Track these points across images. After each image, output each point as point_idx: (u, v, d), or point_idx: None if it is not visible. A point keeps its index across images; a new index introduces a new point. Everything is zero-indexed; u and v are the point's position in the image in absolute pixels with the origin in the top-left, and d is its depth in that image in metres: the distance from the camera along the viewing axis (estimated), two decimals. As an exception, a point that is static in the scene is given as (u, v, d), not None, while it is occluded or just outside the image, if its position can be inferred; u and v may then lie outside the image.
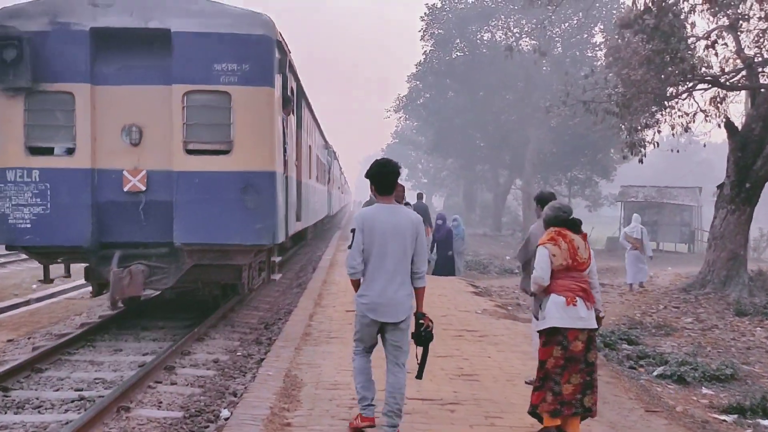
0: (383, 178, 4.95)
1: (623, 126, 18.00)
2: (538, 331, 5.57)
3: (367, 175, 5.02)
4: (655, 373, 8.90)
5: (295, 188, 12.25)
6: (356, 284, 5.04)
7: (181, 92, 8.88)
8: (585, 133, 39.12)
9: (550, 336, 5.33)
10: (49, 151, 8.98)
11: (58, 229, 8.81)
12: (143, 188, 8.94)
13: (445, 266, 17.53)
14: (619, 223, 37.59)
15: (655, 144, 16.42)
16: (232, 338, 9.13)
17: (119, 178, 8.93)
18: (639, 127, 16.14)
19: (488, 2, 40.52)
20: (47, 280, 9.88)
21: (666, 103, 16.29)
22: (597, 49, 38.94)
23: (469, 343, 8.89)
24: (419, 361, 5.08)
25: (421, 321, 5.03)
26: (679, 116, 17.56)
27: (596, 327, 5.47)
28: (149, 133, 9.01)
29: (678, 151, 18.84)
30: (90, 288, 10.07)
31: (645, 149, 16.64)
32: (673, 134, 17.76)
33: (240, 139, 8.97)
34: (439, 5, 40.87)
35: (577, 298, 5.29)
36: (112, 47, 9.00)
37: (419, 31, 40.47)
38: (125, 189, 8.92)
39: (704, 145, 18.95)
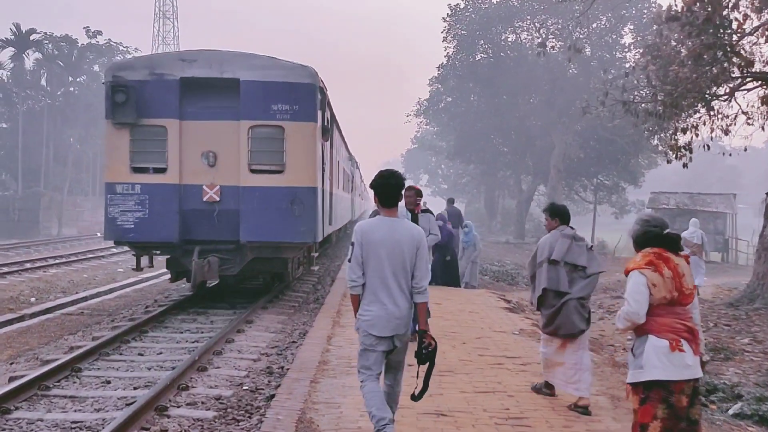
0: (386, 189, 4.85)
1: (664, 128, 16.77)
2: (631, 384, 4.36)
3: (371, 186, 4.94)
4: (731, 412, 7.63)
5: (329, 198, 14.68)
6: (356, 302, 4.88)
7: (246, 126, 11.74)
8: (612, 138, 37.85)
9: (649, 390, 4.13)
10: (147, 170, 11.75)
11: (153, 229, 11.61)
12: (218, 199, 11.74)
13: (444, 273, 15.11)
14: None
15: (705, 147, 15.03)
16: (238, 367, 7.97)
17: (199, 191, 11.75)
18: (687, 128, 14.78)
19: (513, 2, 39.23)
20: (138, 268, 12.79)
21: (713, 103, 14.95)
22: (626, 50, 37.51)
23: (511, 374, 7.68)
24: (421, 382, 4.87)
25: (423, 339, 4.79)
26: (719, 118, 16.29)
27: (701, 376, 4.25)
28: (222, 157, 11.81)
29: (725, 154, 17.36)
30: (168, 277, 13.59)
31: (691, 152, 15.28)
32: (711, 138, 16.46)
33: (291, 162, 11.78)
34: (462, 5, 39.63)
35: (682, 340, 4.09)
36: (195, 91, 11.79)
37: (441, 32, 39.31)
38: (204, 199, 11.74)
39: (729, 154, 17.27)
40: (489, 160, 47.32)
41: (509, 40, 40.02)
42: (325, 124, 13.22)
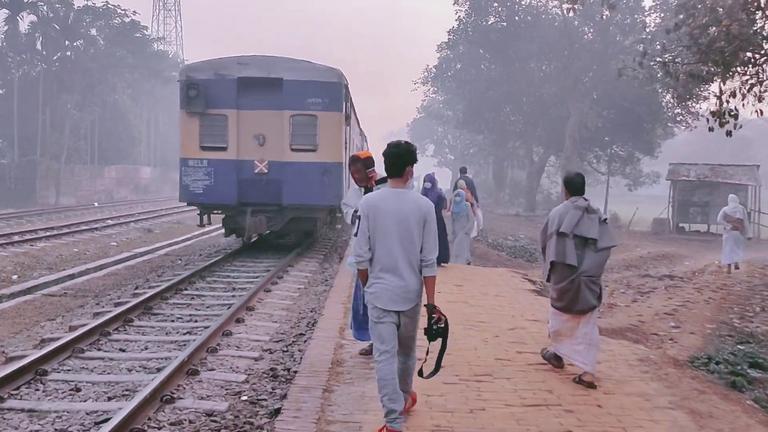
0: (391, 158, 4.77)
1: (697, 94, 15.39)
2: None
3: (383, 154, 4.84)
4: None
5: (348, 171, 18.12)
6: (364, 276, 4.81)
7: (288, 115, 15.01)
8: (630, 107, 36.33)
9: None
10: (213, 149, 14.96)
11: (217, 193, 14.95)
12: (266, 171, 14.98)
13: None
14: (668, 203, 34.70)
15: (759, 112, 13.56)
16: (236, 368, 6.72)
17: (252, 165, 14.99)
18: (737, 90, 13.34)
19: (528, -38, 37.43)
20: (202, 224, 16.25)
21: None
22: (646, 14, 35.73)
23: (561, 380, 6.41)
24: (435, 359, 4.76)
25: (432, 315, 4.65)
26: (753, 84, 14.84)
27: None
28: (269, 138, 15.04)
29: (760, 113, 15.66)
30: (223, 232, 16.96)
31: (736, 119, 13.87)
32: (743, 104, 15.00)
33: (322, 142, 15.01)
34: (475, -34, 37.74)
35: None
36: (248, 88, 14.97)
37: (453, -6, 37.46)
38: (255, 171, 14.99)
39: (740, 126, 15.25)
40: (499, 129, 45.77)
41: (523, 2, 38.21)
42: (347, 112, 16.23)
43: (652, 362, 7.22)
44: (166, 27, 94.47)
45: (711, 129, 14.22)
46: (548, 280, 6.54)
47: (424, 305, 4.71)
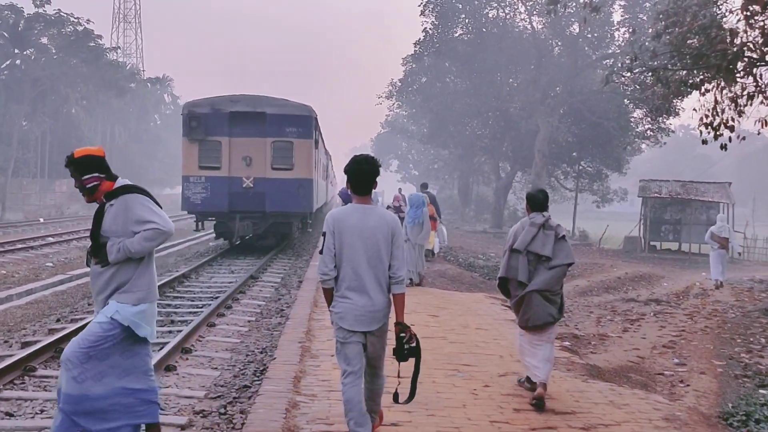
0: (359, 176, 4.56)
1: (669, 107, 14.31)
2: None
3: (345, 170, 4.62)
4: None
5: (316, 185, 20.39)
6: (329, 295, 4.59)
7: (270, 141, 18.42)
8: (599, 121, 35.55)
9: None
10: (209, 168, 18.20)
11: (212, 203, 18.19)
12: (252, 185, 18.28)
13: None
14: (639, 220, 33.85)
15: (764, 122, 12.40)
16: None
17: (241, 181, 18.32)
18: (737, 97, 12.20)
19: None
20: (198, 229, 19.99)
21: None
22: (614, 28, 35.07)
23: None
24: (409, 381, 4.60)
25: (402, 334, 4.43)
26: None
27: None
28: (255, 159, 18.36)
29: (733, 139, 14.52)
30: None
31: (732, 131, 12.75)
32: (739, 116, 13.98)
33: (297, 163, 18.46)
34: (442, -24, 36.67)
35: None
36: (238, 119, 18.31)
37: (419, 5, 36.31)
38: (243, 186, 18.29)
39: (743, 138, 14.15)
40: (465, 144, 44.70)
41: (491, 15, 37.26)
42: (316, 138, 19.87)
43: (681, 422, 5.85)
44: (126, 39, 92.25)
45: (704, 142, 13.09)
46: (502, 292, 6.61)
47: (395, 324, 4.48)
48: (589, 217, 61.95)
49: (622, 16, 34.47)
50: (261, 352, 7.82)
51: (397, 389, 4.59)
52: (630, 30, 32.85)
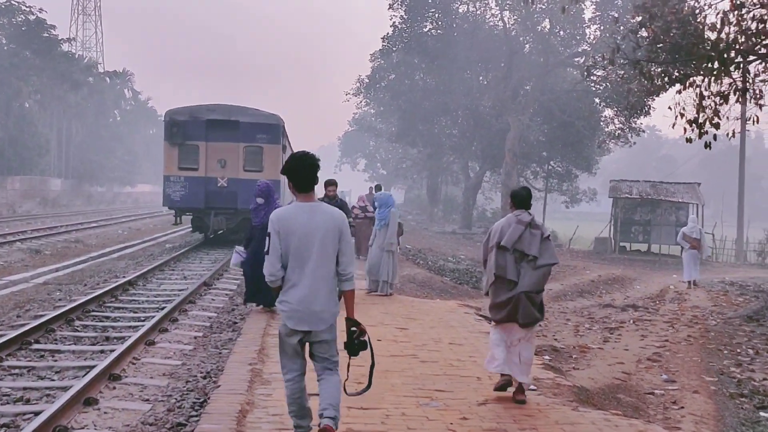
0: (301, 173, 4.45)
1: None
2: None
3: (283, 171, 4.49)
4: None
5: (283, 186, 19.85)
6: (278, 290, 4.48)
7: (242, 146, 20.60)
8: (570, 120, 34.99)
9: None
10: (188, 169, 20.36)
11: (190, 200, 20.39)
12: (226, 185, 20.41)
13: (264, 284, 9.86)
14: (609, 221, 33.38)
15: (756, 119, 11.62)
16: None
17: (216, 180, 20.46)
18: (729, 93, 11.43)
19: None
20: (177, 223, 22.02)
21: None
22: (585, 25, 34.52)
23: None
24: (350, 375, 4.55)
25: (353, 328, 4.42)
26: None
27: None
28: (229, 162, 20.50)
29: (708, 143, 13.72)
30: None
31: (717, 128, 12.03)
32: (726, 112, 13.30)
33: (266, 166, 20.43)
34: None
35: None
36: (214, 126, 20.49)
37: (388, -2, 35.29)
38: (218, 185, 20.44)
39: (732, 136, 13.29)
40: (434, 143, 43.87)
41: (461, 10, 36.42)
42: (284, 144, 21.75)
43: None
44: (85, 32, 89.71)
45: (689, 140, 12.34)
46: (487, 294, 6.48)
47: (345, 319, 4.46)
48: (557, 217, 61.75)
49: (593, 13, 33.93)
50: (204, 377, 6.77)
51: (345, 383, 4.52)
52: (604, 26, 32.41)
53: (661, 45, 12.74)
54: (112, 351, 7.44)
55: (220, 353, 7.75)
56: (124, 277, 13.94)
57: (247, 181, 19.48)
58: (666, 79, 12.19)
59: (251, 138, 20.53)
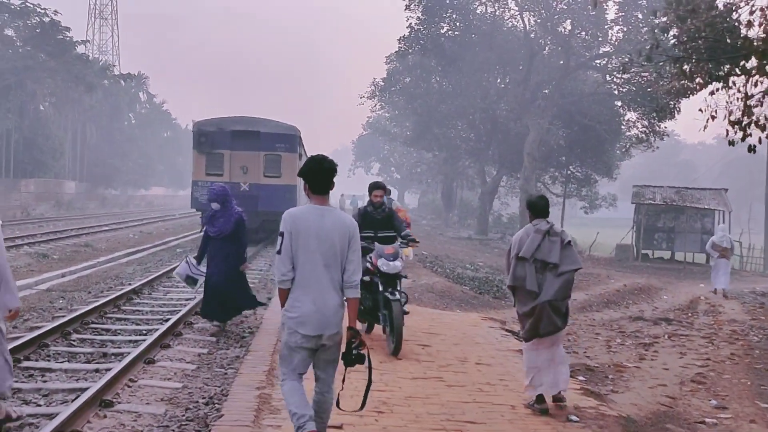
0: (316, 175, 4.47)
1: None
2: None
3: (300, 173, 4.53)
4: None
5: (299, 190, 22.65)
6: (284, 296, 4.44)
7: (263, 154, 22.94)
8: (590, 124, 34.10)
9: None
10: (214, 175, 22.43)
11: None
12: (248, 189, 22.55)
13: (229, 290, 9.01)
14: (632, 227, 32.44)
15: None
16: None
17: (239, 185, 22.37)
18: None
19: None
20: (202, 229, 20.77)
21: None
22: (608, 26, 33.61)
23: None
24: (345, 386, 4.58)
25: (352, 339, 4.36)
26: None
27: None
28: (251, 169, 22.86)
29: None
30: None
31: (763, 130, 11.22)
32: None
33: (284, 172, 22.73)
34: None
35: None
36: (238, 136, 22.86)
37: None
38: (241, 189, 22.16)
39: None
40: (450, 147, 43.05)
41: (479, 11, 35.63)
42: (300, 152, 23.85)
43: None
44: (102, 36, 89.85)
45: (732, 143, 11.52)
46: (515, 296, 6.39)
47: (347, 328, 4.41)
48: (575, 223, 60.64)
49: (616, 14, 33.06)
50: (207, 403, 6.05)
51: (339, 394, 4.51)
52: (627, 27, 31.50)
53: (699, 41, 11.94)
54: (107, 370, 6.75)
55: (225, 373, 7.04)
56: (129, 284, 13.31)
57: (267, 186, 22.68)
58: (707, 77, 11.34)
59: (271, 147, 22.86)
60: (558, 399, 6.20)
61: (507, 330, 10.51)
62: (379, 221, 8.67)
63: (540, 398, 6.14)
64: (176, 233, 29.81)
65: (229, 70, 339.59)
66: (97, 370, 6.96)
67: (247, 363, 7.18)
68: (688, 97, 16.31)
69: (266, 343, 8.11)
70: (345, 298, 4.46)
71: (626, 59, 14.66)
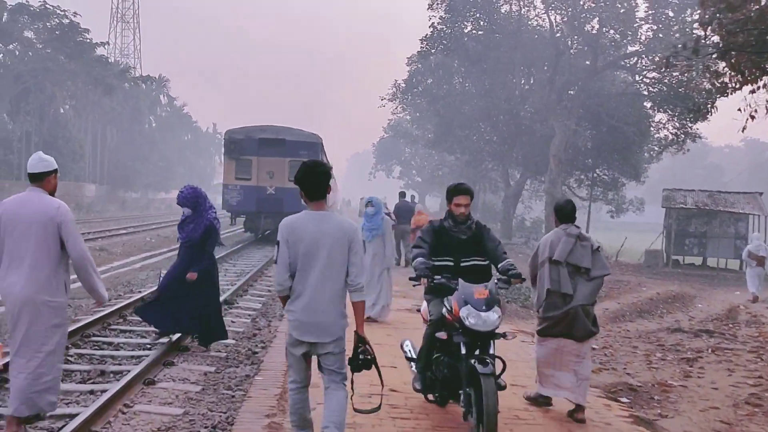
0: (311, 180, 4.44)
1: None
2: None
3: (295, 180, 4.49)
4: None
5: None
6: (285, 302, 4.47)
7: (287, 160, 24.74)
8: (618, 125, 33.08)
9: None
10: (242, 179, 25.13)
11: (245, 205, 25.31)
12: (274, 193, 24.99)
13: (179, 302, 7.93)
14: (662, 232, 31.38)
15: None
16: None
17: (266, 189, 25.11)
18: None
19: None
20: (232, 223, 27.67)
21: None
22: (637, 24, 32.59)
23: None
24: (355, 390, 4.57)
25: (359, 345, 4.32)
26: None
27: None
28: (276, 174, 25.07)
29: None
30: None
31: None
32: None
33: None
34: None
35: None
36: (265, 144, 25.18)
37: (428, -2, 33.79)
38: (267, 193, 25.11)
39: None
40: (473, 149, 42.18)
41: (504, 10, 34.80)
42: (322, 158, 24.58)
43: None
44: (123, 39, 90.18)
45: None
46: (538, 310, 6.28)
47: (354, 332, 4.34)
48: (599, 227, 59.41)
49: (646, 11, 32.05)
50: (215, 426, 5.34)
51: (351, 397, 4.44)
52: (657, 25, 30.49)
53: (745, 33, 11.09)
54: (103, 392, 6.08)
55: (233, 396, 6.32)
56: (140, 291, 12.71)
57: (292, 190, 23.74)
58: (756, 72, 10.48)
59: (295, 153, 24.31)
60: (578, 419, 6.02)
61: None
62: (462, 243, 5.85)
63: (544, 396, 6.20)
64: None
65: (250, 75, 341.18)
66: (92, 392, 6.28)
67: (257, 384, 6.48)
68: (727, 95, 15.48)
69: (279, 360, 7.39)
70: (352, 302, 4.40)
71: (668, 54, 13.69)
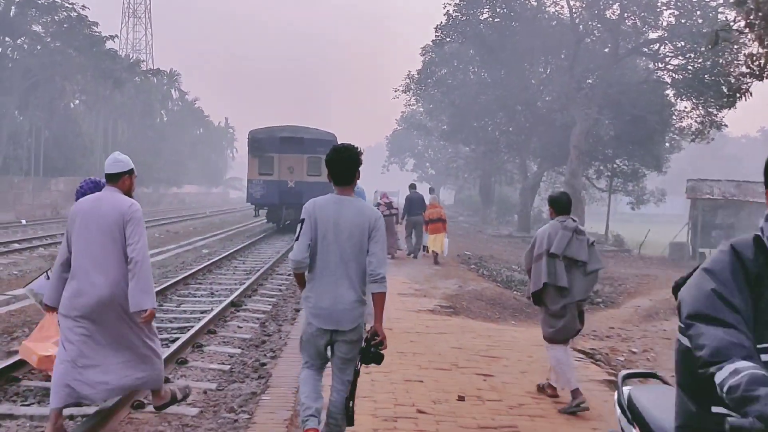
0: (339, 165, 4.32)
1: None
2: None
3: (326, 161, 4.40)
4: None
5: None
6: (301, 280, 4.38)
7: (306, 157, 27.56)
8: (640, 114, 31.93)
9: None
10: (265, 174, 27.74)
11: (268, 198, 27.87)
12: (294, 186, 27.33)
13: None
14: (687, 224, 30.28)
15: None
16: None
17: (286, 183, 27.62)
18: None
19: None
20: (256, 215, 30.46)
21: None
22: (659, 10, 31.42)
23: None
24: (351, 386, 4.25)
25: (374, 336, 4.16)
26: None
27: None
28: (296, 169, 27.71)
29: None
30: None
31: None
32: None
33: (324, 172, 21.07)
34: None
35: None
36: (285, 142, 27.76)
37: (442, -16, 32.74)
38: (288, 186, 27.48)
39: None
40: (489, 140, 41.14)
41: (519, -1, 33.75)
42: None
43: None
44: (135, 35, 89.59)
45: None
46: (536, 303, 6.29)
47: (370, 326, 4.22)
48: (618, 219, 58.15)
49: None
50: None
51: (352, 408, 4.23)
52: (679, 10, 29.37)
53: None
54: (84, 417, 5.23)
55: (235, 421, 5.44)
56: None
57: (310, 183, 26.56)
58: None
59: (313, 150, 26.65)
60: (580, 406, 5.92)
61: (581, 351, 8.78)
62: None
63: (575, 392, 5.89)
64: (203, 233, 28.55)
65: (264, 70, 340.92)
66: (71, 417, 5.43)
67: (264, 406, 5.61)
68: (762, 79, 14.46)
69: (290, 374, 6.52)
70: (371, 292, 4.23)
71: (716, 30, 12.65)
